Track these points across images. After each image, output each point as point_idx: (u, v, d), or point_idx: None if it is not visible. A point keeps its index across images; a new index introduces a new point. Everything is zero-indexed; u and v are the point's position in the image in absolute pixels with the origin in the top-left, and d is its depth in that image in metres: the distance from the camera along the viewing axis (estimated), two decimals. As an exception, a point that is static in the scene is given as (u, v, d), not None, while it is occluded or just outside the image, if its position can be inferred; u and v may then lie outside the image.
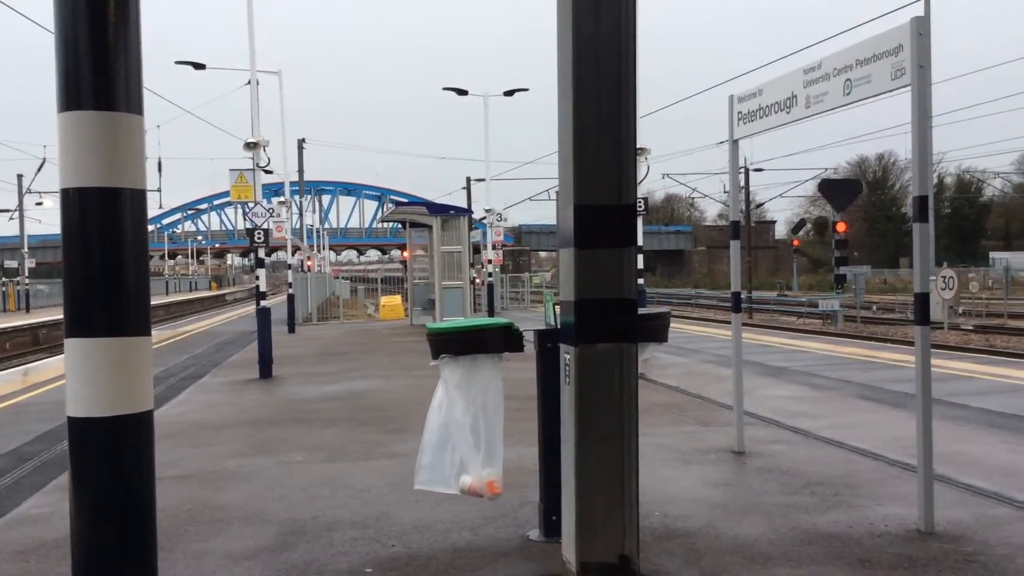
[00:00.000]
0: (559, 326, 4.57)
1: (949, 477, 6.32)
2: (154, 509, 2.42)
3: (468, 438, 4.79)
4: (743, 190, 52.94)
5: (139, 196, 2.50)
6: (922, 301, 5.07)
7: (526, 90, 29.73)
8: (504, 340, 5.05)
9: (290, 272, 25.89)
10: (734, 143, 7.42)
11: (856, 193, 30.33)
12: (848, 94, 5.66)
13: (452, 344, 4.99)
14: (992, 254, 67.08)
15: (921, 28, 4.92)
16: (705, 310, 42.83)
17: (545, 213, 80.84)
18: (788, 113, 6.47)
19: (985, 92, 45.95)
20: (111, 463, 2.35)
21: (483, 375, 4.89)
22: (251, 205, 14.87)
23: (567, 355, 4.31)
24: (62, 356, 17.30)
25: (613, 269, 4.22)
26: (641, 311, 5.68)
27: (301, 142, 50.04)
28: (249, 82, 16.43)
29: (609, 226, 4.22)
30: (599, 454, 4.32)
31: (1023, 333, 24.79)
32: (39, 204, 48.41)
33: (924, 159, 4.98)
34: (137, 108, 2.51)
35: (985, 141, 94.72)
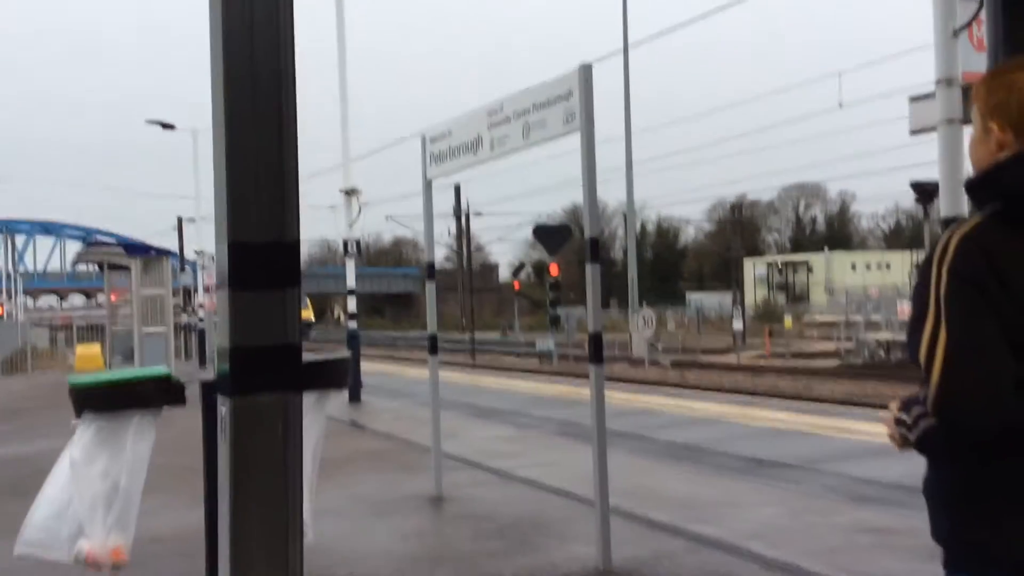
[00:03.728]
0: (216, 374, 4.18)
1: (632, 512, 6.52)
2: None
3: (98, 500, 4.24)
4: (465, 234, 54.36)
5: None
6: (595, 341, 5.19)
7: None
8: (162, 393, 4.55)
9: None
10: (428, 183, 7.37)
11: (567, 238, 31.93)
12: (527, 137, 5.75)
13: (99, 399, 4.42)
14: (688, 294, 73.50)
15: (587, 75, 5.07)
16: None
17: (268, 255, 78.21)
18: (475, 155, 6.50)
19: (679, 143, 50.46)
20: None
21: (131, 434, 4.36)
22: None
23: (223, 407, 3.92)
24: None
25: (275, 312, 3.87)
26: (319, 357, 5.37)
27: (-14, 176, 45.16)
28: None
29: (270, 265, 3.90)
30: (260, 518, 3.93)
31: (712, 367, 27.14)
32: None
33: (593, 202, 5.12)
34: None
35: (680, 189, 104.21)
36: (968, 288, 1.65)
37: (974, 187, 1.82)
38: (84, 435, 4.33)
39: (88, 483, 4.26)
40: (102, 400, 4.41)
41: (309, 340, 53.66)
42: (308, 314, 65.86)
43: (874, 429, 10.95)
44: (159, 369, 4.88)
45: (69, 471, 4.30)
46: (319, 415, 5.02)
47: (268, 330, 4.12)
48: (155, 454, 8.79)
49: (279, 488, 4.12)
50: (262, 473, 4.14)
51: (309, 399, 4.95)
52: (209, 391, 4.74)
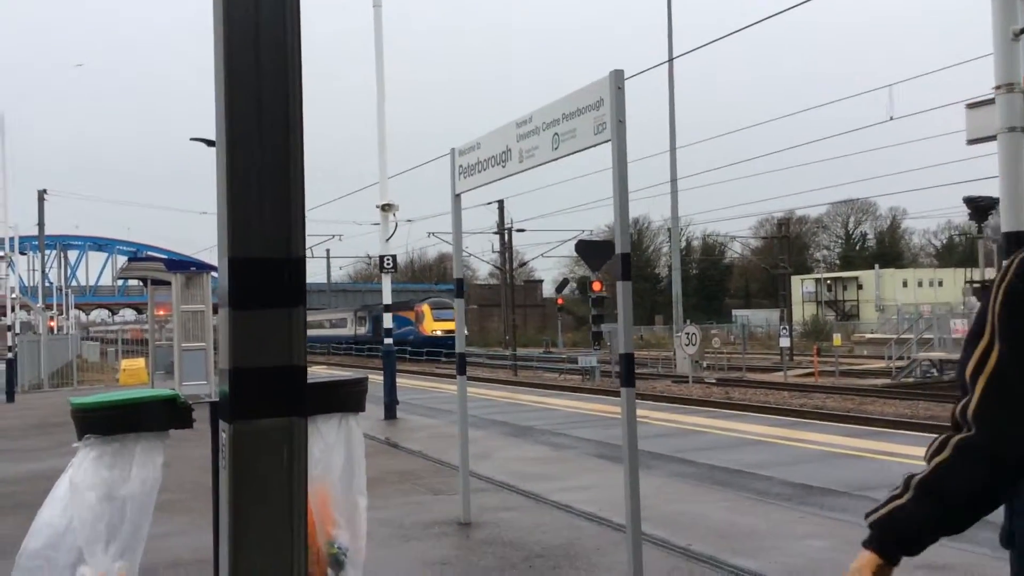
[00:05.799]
0: (219, 398, 3.96)
1: (669, 541, 6.19)
2: None
3: (100, 525, 4.03)
4: (507, 250, 54.11)
5: None
6: (627, 362, 4.87)
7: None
8: (168, 415, 4.35)
9: (10, 334, 23.26)
10: (456, 197, 7.13)
11: (609, 254, 31.52)
12: (556, 148, 5.48)
13: (102, 422, 4.22)
14: (734, 311, 72.45)
15: (619, 82, 4.79)
16: (472, 368, 42.99)
17: (314, 269, 79.06)
18: (504, 167, 6.25)
19: (725, 157, 49.76)
20: None
21: (136, 457, 4.15)
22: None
23: (223, 433, 3.70)
24: None
25: (279, 332, 3.65)
26: (328, 378, 5.13)
27: (42, 193, 46.01)
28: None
29: (274, 283, 3.68)
30: (262, 550, 3.70)
31: (759, 385, 26.53)
32: None
33: (625, 215, 4.82)
34: None
35: (725, 205, 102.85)
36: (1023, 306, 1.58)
37: None
38: (85, 458, 4.14)
39: (88, 508, 4.06)
40: (105, 422, 4.22)
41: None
42: (452, 325, 59.07)
43: (928, 454, 10.45)
44: (165, 391, 4.68)
45: (68, 494, 4.11)
46: (352, 437, 4.73)
47: (271, 351, 3.87)
48: (187, 472, 8.62)
49: (283, 518, 3.87)
50: (264, 502, 3.89)
51: (331, 422, 4.71)
52: (217, 412, 4.54)
